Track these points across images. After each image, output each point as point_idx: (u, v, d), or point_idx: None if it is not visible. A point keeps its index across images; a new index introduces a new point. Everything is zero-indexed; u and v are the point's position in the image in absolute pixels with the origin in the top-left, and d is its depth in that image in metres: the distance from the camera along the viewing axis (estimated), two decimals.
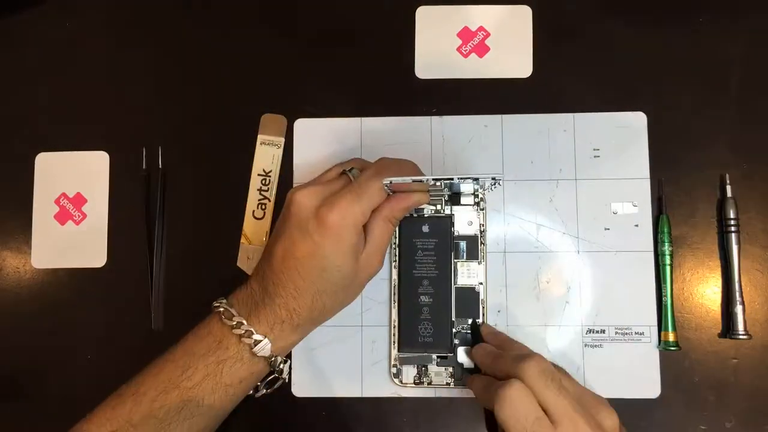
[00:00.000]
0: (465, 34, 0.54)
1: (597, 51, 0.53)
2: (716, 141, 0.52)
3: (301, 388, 0.51)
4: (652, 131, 0.52)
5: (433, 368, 0.50)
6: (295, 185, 0.53)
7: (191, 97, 0.54)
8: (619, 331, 0.50)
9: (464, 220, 0.50)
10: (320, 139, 0.53)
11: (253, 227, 0.53)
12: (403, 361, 0.50)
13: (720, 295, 0.51)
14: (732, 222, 0.50)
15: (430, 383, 0.50)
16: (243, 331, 0.44)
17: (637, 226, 0.51)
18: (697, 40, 0.53)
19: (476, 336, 0.49)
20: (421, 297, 0.50)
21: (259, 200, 0.53)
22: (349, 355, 0.51)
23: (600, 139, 0.52)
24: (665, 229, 0.50)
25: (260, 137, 0.54)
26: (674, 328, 0.49)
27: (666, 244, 0.50)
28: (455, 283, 0.50)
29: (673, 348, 0.49)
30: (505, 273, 0.51)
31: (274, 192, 0.53)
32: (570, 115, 0.53)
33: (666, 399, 0.49)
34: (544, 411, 0.39)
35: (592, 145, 0.52)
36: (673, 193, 0.51)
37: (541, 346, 0.50)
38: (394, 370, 0.50)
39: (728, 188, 0.50)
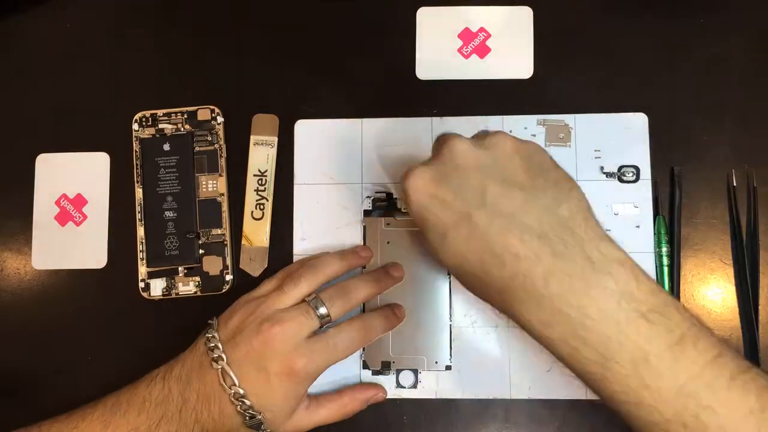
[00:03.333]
0: (466, 35, 0.54)
1: (598, 52, 0.53)
2: (717, 142, 0.52)
3: None
4: (653, 132, 0.52)
5: (180, 279, 0.52)
6: (296, 183, 0.53)
7: (191, 97, 0.54)
8: None
9: None
10: (321, 140, 0.53)
11: (253, 228, 0.53)
12: (151, 275, 0.52)
13: (721, 295, 0.50)
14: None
15: (177, 294, 0.52)
16: (240, 403, 0.43)
17: (638, 227, 0.51)
18: (698, 41, 0.53)
19: None
20: (166, 213, 0.51)
21: (257, 201, 0.53)
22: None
23: (601, 140, 0.52)
24: (662, 230, 0.50)
25: (253, 138, 0.53)
26: None
27: (663, 245, 0.50)
28: (198, 197, 0.52)
29: None
30: None
31: (271, 191, 0.53)
32: (571, 116, 0.52)
33: None
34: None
35: (593, 145, 0.52)
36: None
37: (541, 348, 0.50)
38: (142, 285, 0.52)
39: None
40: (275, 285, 0.47)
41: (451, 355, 0.50)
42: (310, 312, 0.44)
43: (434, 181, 0.39)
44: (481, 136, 0.40)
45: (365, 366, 0.51)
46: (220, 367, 0.43)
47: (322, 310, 0.45)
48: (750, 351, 0.49)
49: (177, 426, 0.43)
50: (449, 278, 0.51)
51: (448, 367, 0.50)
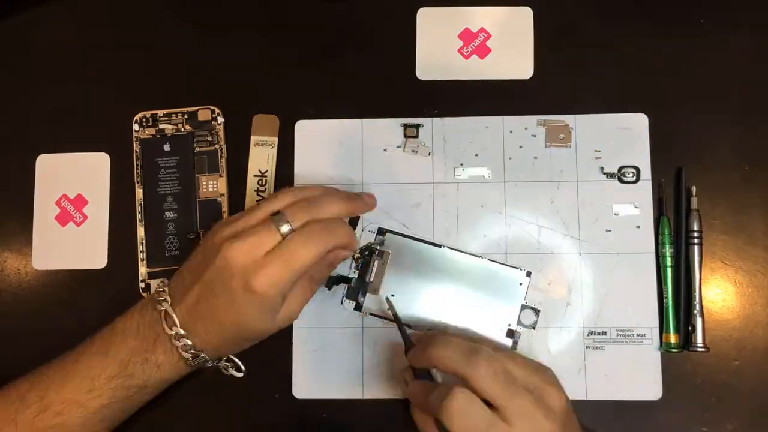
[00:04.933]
0: (466, 36, 0.54)
1: (598, 52, 0.53)
2: (717, 142, 0.52)
3: (301, 390, 0.51)
4: (653, 132, 0.52)
5: None
6: (297, 183, 0.53)
7: (192, 98, 0.54)
8: (620, 332, 0.50)
9: None
10: (321, 141, 0.53)
11: None
12: (152, 276, 0.52)
13: (721, 296, 0.50)
14: (695, 234, 0.50)
15: None
16: (182, 344, 0.44)
17: (638, 227, 0.51)
18: (698, 41, 0.53)
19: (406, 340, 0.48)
20: (166, 213, 0.51)
21: (257, 201, 0.53)
22: (350, 356, 0.51)
23: (601, 141, 0.52)
24: (666, 231, 0.50)
25: (253, 138, 0.53)
26: (676, 330, 0.49)
27: (666, 245, 0.50)
28: (198, 197, 0.51)
29: (674, 350, 0.49)
30: None
31: (271, 192, 0.53)
32: (571, 116, 0.52)
33: (668, 401, 0.49)
34: (496, 408, 0.40)
35: (593, 146, 0.52)
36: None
37: (542, 348, 0.50)
38: (142, 285, 0.52)
39: (694, 200, 0.50)
40: (253, 206, 0.47)
41: None
42: (271, 227, 0.42)
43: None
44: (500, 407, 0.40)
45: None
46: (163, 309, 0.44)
47: (285, 228, 0.42)
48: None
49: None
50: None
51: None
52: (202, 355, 0.44)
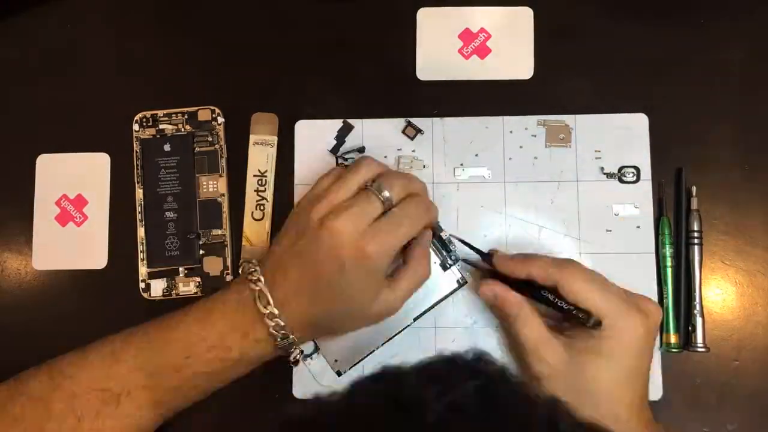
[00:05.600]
0: (466, 36, 0.54)
1: (598, 52, 0.53)
2: (717, 142, 0.52)
3: (301, 390, 0.51)
4: (653, 132, 0.52)
5: (180, 279, 0.52)
6: (297, 183, 0.53)
7: (192, 98, 0.54)
8: None
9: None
10: (321, 141, 0.53)
11: (254, 228, 0.53)
12: (152, 276, 0.52)
13: (722, 296, 0.51)
14: (695, 235, 0.50)
15: (177, 294, 0.52)
16: (273, 324, 0.44)
17: (638, 227, 0.51)
18: (698, 42, 0.53)
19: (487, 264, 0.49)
20: (166, 213, 0.51)
21: (257, 201, 0.53)
22: None
23: (601, 141, 0.52)
24: (666, 231, 0.50)
25: (252, 137, 0.53)
26: (676, 330, 0.49)
27: (667, 246, 0.50)
28: (198, 197, 0.52)
29: (674, 350, 0.49)
30: None
31: (271, 192, 0.53)
32: (571, 116, 0.52)
33: (668, 401, 0.49)
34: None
35: (593, 146, 0.52)
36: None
37: None
38: (142, 285, 0.52)
39: (694, 200, 0.50)
40: (334, 178, 0.47)
41: None
42: (371, 197, 0.44)
43: None
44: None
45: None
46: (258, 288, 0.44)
47: (385, 194, 0.44)
48: None
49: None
50: (411, 323, 0.50)
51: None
52: (291, 337, 0.44)
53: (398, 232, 0.44)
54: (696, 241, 0.50)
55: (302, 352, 0.47)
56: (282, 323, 0.44)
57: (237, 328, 0.44)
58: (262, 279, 0.44)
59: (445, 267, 0.50)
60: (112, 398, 0.44)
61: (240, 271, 0.46)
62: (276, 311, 0.43)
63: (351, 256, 0.43)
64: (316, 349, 0.50)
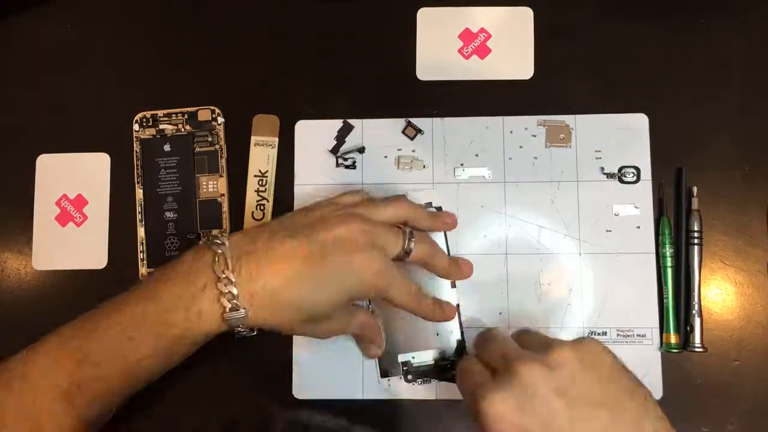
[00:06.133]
0: (466, 36, 0.54)
1: (598, 52, 0.53)
2: (718, 142, 0.52)
3: (301, 390, 0.51)
4: (653, 132, 0.52)
5: None
6: (297, 183, 0.53)
7: (192, 98, 0.54)
8: (621, 333, 0.50)
9: None
10: (321, 141, 0.53)
11: None
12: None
13: (722, 296, 0.50)
14: (695, 235, 0.50)
15: None
16: (227, 291, 0.41)
17: (638, 227, 0.51)
18: (698, 41, 0.53)
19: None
20: (166, 213, 0.51)
21: (257, 201, 0.53)
22: (350, 356, 0.51)
23: (601, 141, 0.52)
24: (666, 231, 0.50)
25: (254, 138, 0.53)
26: (676, 330, 0.49)
27: (667, 246, 0.50)
28: (198, 197, 0.51)
29: (674, 350, 0.49)
30: (507, 275, 0.51)
31: (271, 192, 0.53)
32: (571, 116, 0.52)
33: (668, 401, 0.49)
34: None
35: (593, 146, 0.52)
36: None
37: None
38: None
39: (695, 201, 0.50)
40: (360, 198, 0.47)
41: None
42: (401, 239, 0.45)
43: (518, 411, 0.37)
44: (545, 355, 0.39)
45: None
46: (220, 251, 0.42)
47: (411, 245, 0.45)
48: None
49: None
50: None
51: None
52: (242, 310, 0.41)
53: (410, 289, 0.45)
54: (696, 241, 0.50)
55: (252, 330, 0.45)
56: (236, 291, 0.41)
57: (183, 299, 0.42)
58: (227, 243, 0.43)
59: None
60: (63, 396, 0.42)
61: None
62: (233, 277, 0.41)
63: (361, 264, 0.42)
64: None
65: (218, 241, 0.43)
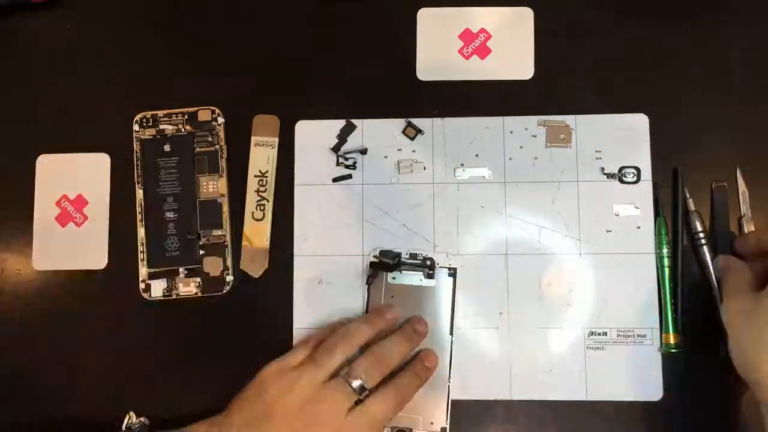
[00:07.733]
0: (466, 36, 0.54)
1: (598, 53, 0.53)
2: (718, 142, 0.52)
3: None
4: (653, 132, 0.52)
5: (181, 280, 0.52)
6: (297, 183, 0.53)
7: (192, 98, 0.54)
8: (621, 333, 0.50)
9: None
10: (321, 141, 0.53)
11: (254, 229, 0.53)
12: (152, 276, 0.52)
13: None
14: (701, 235, 0.50)
15: (178, 295, 0.52)
16: None
17: (639, 228, 0.51)
18: (698, 41, 0.53)
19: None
20: (166, 213, 0.51)
21: (257, 201, 0.53)
22: None
23: (601, 141, 0.52)
24: (663, 231, 0.50)
25: (254, 138, 0.53)
26: (675, 331, 0.49)
27: (664, 246, 0.50)
28: (198, 197, 0.51)
29: (674, 350, 0.49)
30: (507, 275, 0.51)
31: (272, 192, 0.53)
32: (572, 116, 0.52)
33: (668, 401, 0.49)
34: None
35: (593, 146, 0.52)
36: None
37: (542, 349, 0.50)
38: (142, 285, 0.52)
39: (690, 202, 0.51)
40: (306, 354, 0.47)
41: (448, 417, 0.49)
42: (346, 388, 0.45)
43: None
44: None
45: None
46: None
47: (357, 383, 0.45)
48: None
49: None
50: (451, 337, 0.50)
51: (444, 430, 0.49)
52: None
53: (372, 427, 0.45)
54: (703, 241, 0.50)
55: None
56: None
57: None
58: None
59: (430, 276, 0.50)
60: None
61: None
62: None
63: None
64: None
65: None
